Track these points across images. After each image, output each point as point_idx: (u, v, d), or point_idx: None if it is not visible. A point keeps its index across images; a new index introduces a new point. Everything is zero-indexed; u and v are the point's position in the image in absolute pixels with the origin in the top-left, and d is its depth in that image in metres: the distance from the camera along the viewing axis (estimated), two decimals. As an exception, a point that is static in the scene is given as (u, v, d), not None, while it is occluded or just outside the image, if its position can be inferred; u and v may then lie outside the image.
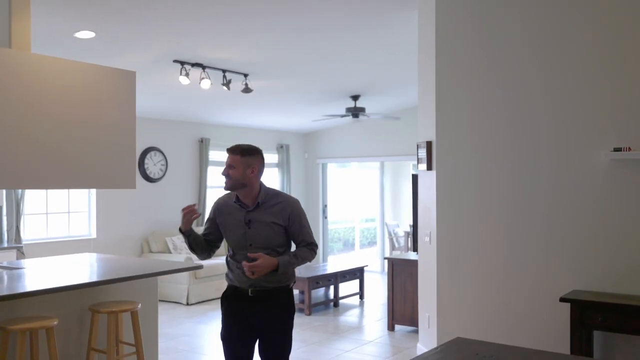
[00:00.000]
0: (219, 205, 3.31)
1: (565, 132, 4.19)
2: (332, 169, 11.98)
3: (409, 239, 10.60)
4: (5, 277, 3.86)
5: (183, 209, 3.22)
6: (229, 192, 3.26)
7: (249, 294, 3.15)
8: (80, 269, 4.39)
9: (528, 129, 4.34)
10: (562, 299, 3.89)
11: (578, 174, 4.13)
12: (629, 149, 3.86)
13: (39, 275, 4.05)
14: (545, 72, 4.27)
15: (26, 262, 4.66)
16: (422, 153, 5.06)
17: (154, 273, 4.14)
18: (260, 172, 3.24)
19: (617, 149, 3.90)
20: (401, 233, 11.56)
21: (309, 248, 3.27)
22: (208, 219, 3.38)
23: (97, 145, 4.15)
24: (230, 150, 3.23)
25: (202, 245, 3.32)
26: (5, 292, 3.36)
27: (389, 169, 12.08)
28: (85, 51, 5.36)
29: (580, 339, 3.82)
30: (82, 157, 4.07)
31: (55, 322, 3.51)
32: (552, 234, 4.24)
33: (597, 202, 4.07)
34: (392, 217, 12.69)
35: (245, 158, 3.18)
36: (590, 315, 3.80)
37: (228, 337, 3.24)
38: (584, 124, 4.11)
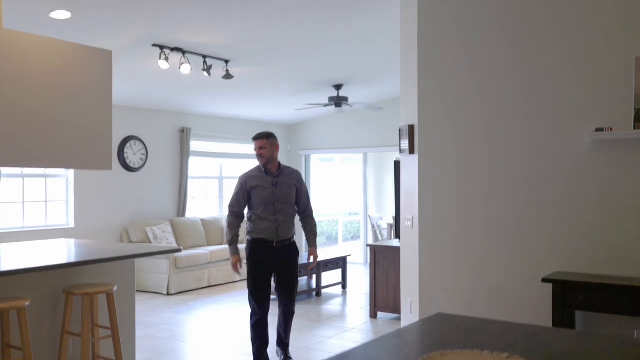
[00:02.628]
0: (248, 177, 4.57)
1: (547, 114, 4.17)
2: (316, 163, 11.91)
3: (392, 231, 10.58)
4: (-23, 259, 3.75)
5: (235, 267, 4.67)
6: (252, 167, 4.64)
7: (274, 244, 4.47)
8: (55, 252, 4.29)
9: (509, 111, 4.31)
10: (545, 280, 3.87)
11: (560, 155, 4.11)
12: (611, 129, 3.84)
13: (11, 257, 3.94)
14: (525, 52, 4.25)
15: (1, 246, 4.54)
16: (404, 139, 5.01)
17: (131, 255, 4.05)
18: (279, 149, 4.63)
19: (599, 129, 3.88)
20: (384, 226, 11.55)
21: (313, 219, 4.84)
22: (236, 192, 4.58)
23: (73, 126, 4.05)
24: (257, 137, 4.55)
25: (239, 226, 4.67)
26: (-25, 272, 3.25)
27: (371, 162, 12.05)
28: (61, 33, 5.21)
29: (562, 319, 3.80)
30: (57, 137, 3.97)
31: (27, 303, 3.40)
32: (534, 216, 4.22)
33: (579, 184, 4.05)
34: (375, 211, 12.67)
35: (270, 140, 4.55)
36: (572, 296, 3.78)
37: (259, 277, 4.49)
38: (566, 104, 4.09)
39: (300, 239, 11.10)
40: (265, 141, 4.51)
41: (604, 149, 3.94)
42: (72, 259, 3.99)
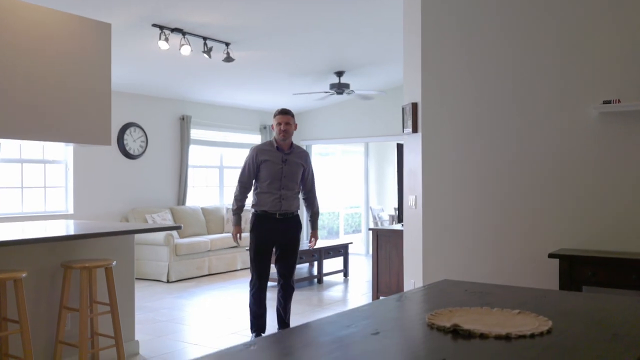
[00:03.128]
0: (260, 150, 4.67)
1: (553, 87, 4.10)
2: (316, 156, 11.84)
3: (394, 222, 10.51)
4: (-27, 233, 3.68)
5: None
6: (265, 142, 4.90)
7: (277, 216, 4.58)
8: (54, 228, 4.22)
9: (514, 85, 4.24)
10: (551, 255, 3.80)
11: (566, 129, 4.04)
12: (619, 101, 3.77)
13: (10, 231, 3.87)
14: (531, 26, 4.18)
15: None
16: (408, 118, 4.94)
17: (130, 230, 3.98)
18: (297, 127, 4.77)
19: (606, 102, 3.81)
20: (386, 217, 11.48)
21: (316, 200, 4.92)
22: (247, 162, 4.68)
23: (71, 99, 3.99)
24: (285, 112, 4.66)
25: (244, 200, 4.78)
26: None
27: (373, 153, 11.97)
28: (58, 8, 5.15)
29: (569, 295, 3.73)
30: (55, 111, 3.91)
31: (24, 275, 3.34)
32: (540, 193, 4.15)
33: (587, 158, 3.98)
34: (376, 202, 12.61)
35: (293, 118, 4.69)
36: (579, 271, 3.71)
37: (261, 248, 4.60)
38: (572, 77, 4.02)
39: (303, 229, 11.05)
40: (291, 117, 4.66)
41: (612, 121, 3.87)
42: (72, 234, 3.93)
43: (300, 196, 4.85)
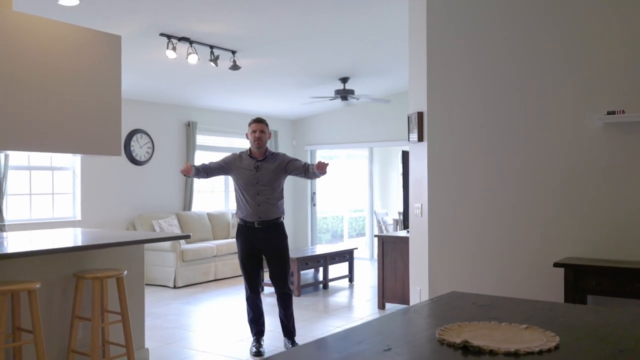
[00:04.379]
0: (237, 157, 4.86)
1: (557, 98, 4.14)
2: (321, 159, 11.88)
3: (398, 226, 10.55)
4: (-14, 244, 3.74)
5: (182, 172, 4.84)
6: (243, 151, 4.91)
7: (256, 225, 4.66)
8: (64, 238, 4.28)
9: (519, 95, 4.29)
10: (556, 264, 3.84)
11: (571, 139, 4.08)
12: (623, 112, 3.81)
13: (22, 242, 3.93)
14: (535, 36, 4.22)
15: (9, 234, 4.54)
16: (413, 127, 4.99)
17: (140, 240, 4.04)
18: (271, 136, 4.80)
19: (610, 112, 3.86)
20: (390, 221, 11.52)
21: (308, 165, 4.84)
22: (221, 160, 4.92)
23: (81, 110, 4.04)
24: (259, 121, 4.80)
25: (202, 171, 4.89)
26: (-15, 254, 3.24)
27: (377, 158, 12.02)
28: (69, 20, 5.20)
29: (574, 304, 3.76)
30: (65, 122, 3.96)
31: (38, 285, 3.39)
32: (545, 202, 4.19)
33: (591, 168, 4.02)
34: (380, 206, 12.64)
35: (267, 126, 4.85)
36: (584, 280, 3.76)
37: (245, 257, 4.73)
38: (576, 88, 4.07)
39: (305, 230, 11.11)
40: (265, 126, 4.79)
41: (616, 132, 3.91)
42: (82, 244, 3.98)
43: (304, 177, 4.90)
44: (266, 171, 4.70)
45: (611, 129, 3.92)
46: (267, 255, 4.78)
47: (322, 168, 4.68)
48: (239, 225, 4.79)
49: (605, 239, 3.96)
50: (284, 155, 4.92)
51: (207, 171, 4.92)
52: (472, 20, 4.53)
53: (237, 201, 4.81)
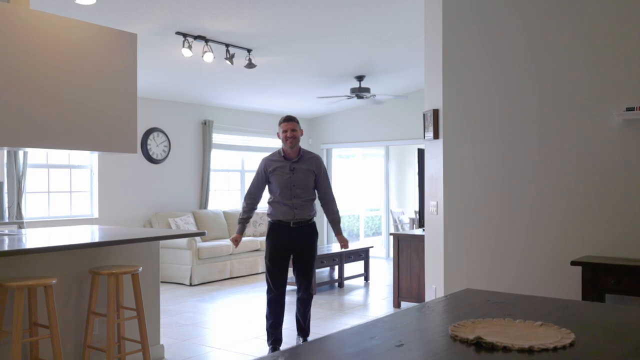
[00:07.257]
0: (268, 161, 4.68)
1: (576, 94, 4.09)
2: (337, 158, 11.88)
3: (414, 225, 10.51)
4: (6, 240, 3.79)
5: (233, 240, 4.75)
6: (273, 152, 4.74)
7: (291, 225, 4.56)
8: (81, 235, 4.32)
9: (536, 92, 4.24)
10: (574, 262, 3.79)
11: (589, 135, 4.03)
12: (642, 108, 3.75)
13: (39, 238, 3.97)
14: (552, 32, 4.17)
15: (28, 231, 4.59)
16: (429, 124, 4.96)
17: (156, 237, 4.06)
18: (303, 134, 4.72)
19: (629, 109, 3.80)
20: (406, 220, 11.48)
21: (335, 205, 4.82)
22: (257, 173, 4.71)
23: (98, 108, 4.07)
24: (290, 119, 4.61)
25: (250, 213, 4.78)
26: (4, 249, 3.28)
27: (393, 156, 11.98)
28: (85, 19, 5.26)
29: (592, 303, 3.71)
30: (82, 119, 3.99)
31: (54, 281, 3.42)
32: (563, 199, 4.14)
33: (609, 165, 3.96)
34: (396, 205, 12.60)
35: (299, 124, 4.66)
36: (602, 279, 3.70)
37: (275, 256, 4.59)
38: (594, 84, 4.01)
39: (322, 228, 11.10)
40: (296, 124, 4.61)
41: (634, 128, 3.85)
42: (99, 240, 4.01)
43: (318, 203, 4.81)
44: (301, 172, 4.58)
45: (630, 126, 3.86)
46: (297, 254, 4.63)
47: (343, 244, 4.82)
48: (271, 224, 4.64)
49: (624, 237, 3.90)
50: (320, 161, 4.75)
51: (254, 205, 4.75)
52: (488, 16, 4.49)
53: (270, 203, 4.65)
